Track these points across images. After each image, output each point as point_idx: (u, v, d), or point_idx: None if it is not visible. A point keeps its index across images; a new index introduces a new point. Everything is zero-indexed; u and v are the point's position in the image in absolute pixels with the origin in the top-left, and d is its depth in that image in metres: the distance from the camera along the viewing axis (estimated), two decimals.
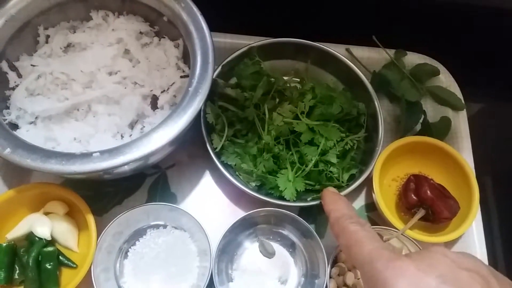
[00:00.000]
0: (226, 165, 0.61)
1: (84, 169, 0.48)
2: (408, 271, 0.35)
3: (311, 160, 0.61)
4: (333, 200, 0.50)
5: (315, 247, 0.58)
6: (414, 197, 0.61)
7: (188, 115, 0.52)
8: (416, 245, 0.58)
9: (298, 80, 0.70)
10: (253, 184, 0.62)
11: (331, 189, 0.56)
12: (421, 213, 0.60)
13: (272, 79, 0.65)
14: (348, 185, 0.61)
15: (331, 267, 0.58)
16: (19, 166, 0.48)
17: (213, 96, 0.64)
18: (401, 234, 0.58)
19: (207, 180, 0.66)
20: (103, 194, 0.63)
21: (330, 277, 0.58)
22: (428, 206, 0.60)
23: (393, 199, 0.66)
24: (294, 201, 0.59)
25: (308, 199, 0.61)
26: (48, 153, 0.49)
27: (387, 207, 0.61)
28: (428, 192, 0.60)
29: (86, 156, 0.49)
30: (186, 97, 0.53)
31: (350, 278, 0.58)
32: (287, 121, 0.62)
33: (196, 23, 0.57)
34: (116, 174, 0.57)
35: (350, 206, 0.50)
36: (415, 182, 0.62)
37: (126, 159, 0.49)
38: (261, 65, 0.65)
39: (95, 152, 0.49)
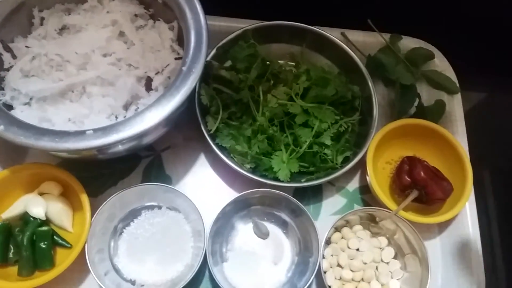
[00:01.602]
0: (220, 147, 0.61)
1: (77, 146, 0.48)
2: None
3: (305, 142, 0.61)
4: None
5: (308, 226, 0.58)
6: (407, 179, 0.61)
7: (182, 94, 0.52)
8: (410, 226, 0.58)
9: (294, 64, 0.70)
10: (248, 165, 0.62)
11: None
12: (414, 194, 0.60)
13: (267, 62, 0.65)
14: (342, 167, 0.61)
15: (324, 248, 0.58)
16: (13, 143, 0.48)
17: (207, 78, 0.64)
18: (395, 215, 0.59)
19: (202, 162, 0.66)
20: (98, 176, 0.64)
21: (324, 257, 0.58)
22: (422, 187, 0.60)
23: (387, 182, 0.66)
24: (288, 182, 0.60)
25: (302, 180, 0.61)
26: (41, 131, 0.49)
27: (381, 189, 0.62)
28: (422, 173, 0.60)
29: (79, 133, 0.49)
30: (180, 77, 0.53)
31: (343, 258, 0.58)
32: (281, 103, 0.62)
33: (190, 4, 0.57)
34: (110, 154, 0.57)
35: None
36: (409, 164, 0.62)
37: (119, 137, 0.49)
38: (256, 48, 0.65)
39: (89, 130, 0.49)
